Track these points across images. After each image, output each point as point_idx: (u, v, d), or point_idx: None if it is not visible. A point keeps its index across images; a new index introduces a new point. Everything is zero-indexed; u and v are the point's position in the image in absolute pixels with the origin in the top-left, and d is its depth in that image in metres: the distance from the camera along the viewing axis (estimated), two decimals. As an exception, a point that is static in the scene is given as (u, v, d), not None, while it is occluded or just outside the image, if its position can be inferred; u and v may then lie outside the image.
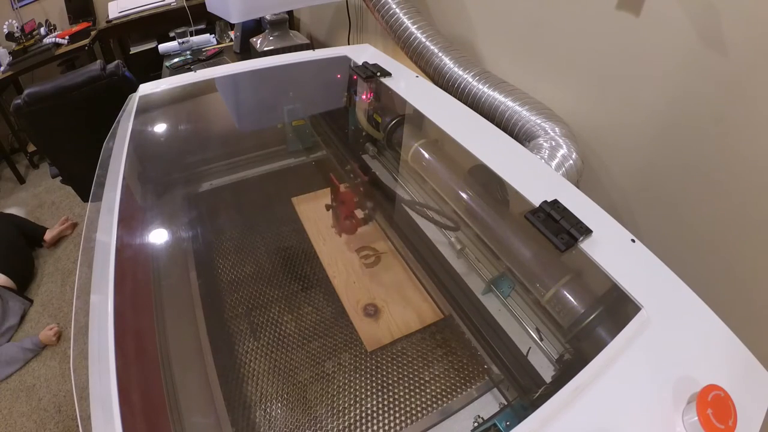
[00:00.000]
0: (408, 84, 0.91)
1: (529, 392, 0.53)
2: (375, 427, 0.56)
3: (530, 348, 0.64)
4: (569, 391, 0.39)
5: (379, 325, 0.69)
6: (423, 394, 0.60)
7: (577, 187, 0.61)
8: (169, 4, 2.80)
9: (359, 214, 0.83)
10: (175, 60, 2.06)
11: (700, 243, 0.74)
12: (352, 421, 0.57)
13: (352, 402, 0.59)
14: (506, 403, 0.57)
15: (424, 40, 1.02)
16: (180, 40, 2.18)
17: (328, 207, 0.85)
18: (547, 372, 0.60)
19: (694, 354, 0.42)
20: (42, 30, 2.80)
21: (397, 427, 0.56)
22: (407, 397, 0.60)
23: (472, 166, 0.76)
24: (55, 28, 2.85)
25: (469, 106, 0.84)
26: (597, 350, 0.42)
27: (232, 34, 2.22)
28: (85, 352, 0.45)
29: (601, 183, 0.87)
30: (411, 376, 0.62)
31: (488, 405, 0.59)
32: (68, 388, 1.56)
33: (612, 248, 0.52)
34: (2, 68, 2.51)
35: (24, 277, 1.98)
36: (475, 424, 0.55)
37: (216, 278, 0.78)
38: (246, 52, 1.96)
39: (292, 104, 1.13)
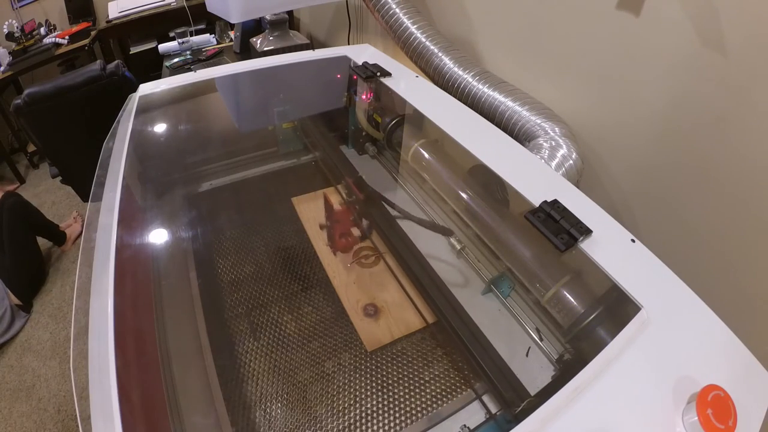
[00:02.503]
0: (408, 84, 0.91)
1: (512, 405, 0.53)
2: (375, 427, 0.56)
3: (530, 348, 0.64)
4: (569, 391, 0.39)
5: (379, 325, 0.69)
6: (423, 394, 0.60)
7: (577, 187, 0.61)
8: (169, 4, 2.80)
9: (355, 232, 0.83)
10: (175, 60, 2.06)
11: (700, 243, 0.74)
12: (352, 421, 0.57)
13: (352, 402, 0.59)
14: (490, 415, 0.57)
15: (424, 40, 1.02)
16: (180, 40, 2.18)
17: (322, 227, 0.85)
18: (546, 372, 0.60)
19: (694, 354, 0.42)
20: (42, 30, 2.80)
21: (397, 427, 0.56)
22: (407, 397, 0.60)
23: (472, 166, 0.76)
24: (55, 28, 2.85)
25: (469, 106, 0.84)
26: (597, 350, 0.42)
27: (232, 34, 2.22)
28: (85, 352, 0.45)
29: (601, 183, 0.87)
30: (411, 376, 0.62)
31: (489, 404, 0.59)
32: (68, 388, 1.56)
33: (612, 248, 0.52)
34: (2, 68, 2.51)
35: (33, 288, 1.95)
36: None
37: (216, 278, 0.78)
38: (246, 52, 1.96)
39: (291, 104, 1.12)
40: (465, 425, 0.56)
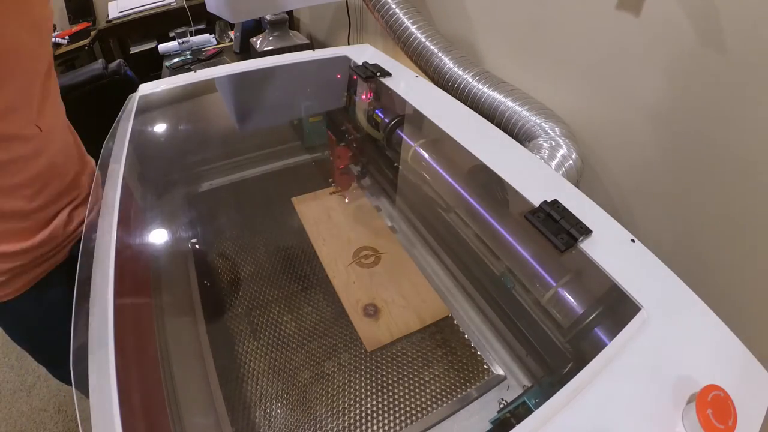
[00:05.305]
0: (408, 84, 0.91)
1: (556, 370, 0.53)
2: (375, 427, 0.56)
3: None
4: (569, 391, 0.39)
5: (379, 325, 0.69)
6: (423, 394, 0.60)
7: (577, 187, 0.61)
8: (169, 4, 2.80)
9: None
10: (175, 60, 2.06)
11: (700, 243, 0.74)
12: (352, 421, 0.57)
13: (352, 402, 0.59)
14: (531, 384, 0.58)
15: (424, 40, 1.02)
16: (180, 40, 2.18)
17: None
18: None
19: (694, 354, 0.42)
20: (42, 30, 2.80)
21: (397, 427, 0.56)
22: (407, 397, 0.60)
23: (472, 166, 0.76)
24: (55, 28, 2.85)
25: (469, 106, 0.84)
26: (596, 350, 0.42)
27: (232, 34, 2.22)
28: (85, 352, 0.45)
29: (601, 183, 0.87)
30: (411, 376, 0.62)
31: (489, 404, 0.59)
32: (68, 388, 1.56)
33: (612, 248, 0.52)
34: (2, 68, 2.51)
35: None
36: (501, 406, 0.56)
37: (216, 278, 0.78)
38: (246, 52, 1.97)
39: (292, 104, 1.12)
40: (502, 399, 0.58)
